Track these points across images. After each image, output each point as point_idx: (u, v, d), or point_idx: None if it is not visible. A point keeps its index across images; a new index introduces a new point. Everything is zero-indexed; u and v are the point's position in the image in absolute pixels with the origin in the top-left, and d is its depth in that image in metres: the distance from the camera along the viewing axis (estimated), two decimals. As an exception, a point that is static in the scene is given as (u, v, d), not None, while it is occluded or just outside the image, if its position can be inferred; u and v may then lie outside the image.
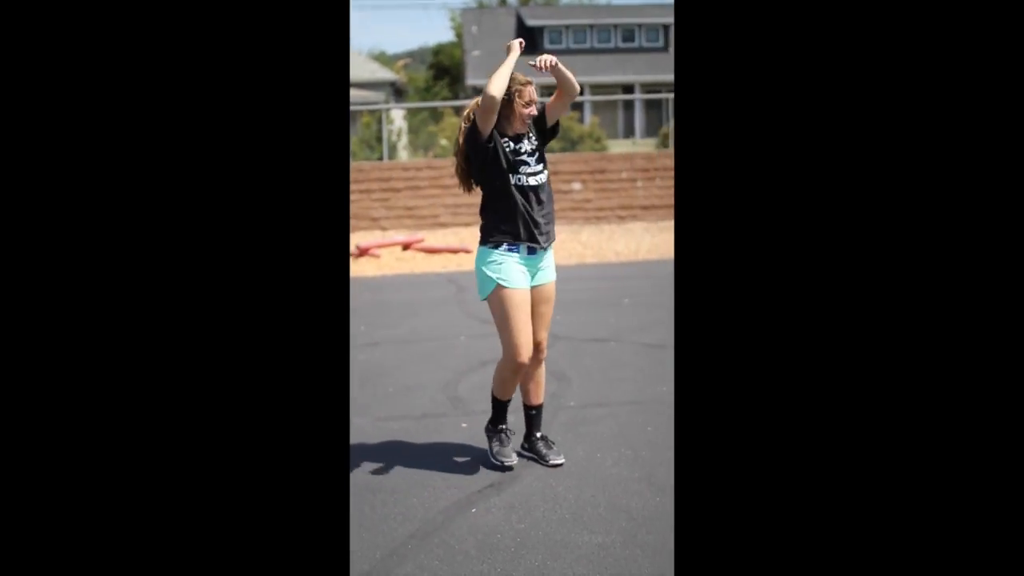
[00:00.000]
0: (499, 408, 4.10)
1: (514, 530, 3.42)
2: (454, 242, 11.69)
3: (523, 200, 3.81)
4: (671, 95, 18.05)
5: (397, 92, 36.24)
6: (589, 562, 3.14)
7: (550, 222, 3.91)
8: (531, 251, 3.86)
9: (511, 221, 3.82)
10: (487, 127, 3.76)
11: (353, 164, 14.03)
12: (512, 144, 3.83)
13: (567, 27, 37.05)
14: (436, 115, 23.17)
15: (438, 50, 48.37)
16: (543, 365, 4.11)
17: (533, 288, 3.93)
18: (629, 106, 35.04)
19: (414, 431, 4.62)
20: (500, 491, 3.79)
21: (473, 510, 3.61)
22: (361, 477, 4.00)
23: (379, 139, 16.85)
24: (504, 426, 4.11)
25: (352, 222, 13.23)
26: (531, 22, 36.55)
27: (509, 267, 3.83)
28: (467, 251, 10.88)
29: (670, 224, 13.55)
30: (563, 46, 36.97)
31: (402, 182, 13.52)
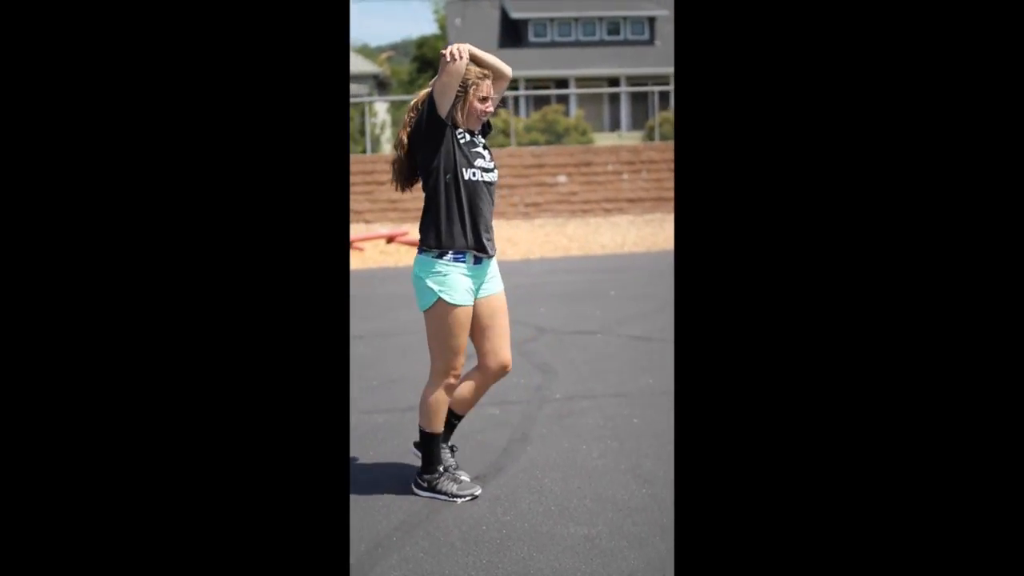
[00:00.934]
0: (430, 444, 3.66)
1: (499, 522, 3.40)
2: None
3: (475, 199, 3.47)
4: (656, 88, 18.09)
5: (380, 85, 36.19)
6: (575, 554, 3.13)
7: (493, 229, 3.60)
8: (477, 260, 3.51)
9: (459, 223, 3.45)
10: (445, 104, 3.43)
11: (337, 157, 14.01)
12: (468, 136, 3.52)
13: (552, 20, 37.02)
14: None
15: (422, 43, 48.38)
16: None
17: (482, 300, 3.59)
18: (615, 99, 35.05)
19: (399, 424, 4.59)
20: (485, 483, 3.76)
21: (458, 502, 3.59)
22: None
23: (362, 132, 16.80)
24: (442, 466, 3.69)
25: (336, 215, 13.19)
26: (515, 15, 36.50)
27: (454, 280, 3.47)
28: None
29: (656, 217, 13.57)
30: (548, 39, 36.96)
31: (386, 175, 13.43)
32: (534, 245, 11.41)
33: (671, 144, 13.64)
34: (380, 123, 19.29)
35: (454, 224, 3.47)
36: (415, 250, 10.30)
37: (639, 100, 33.94)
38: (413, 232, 12.19)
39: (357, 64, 35.05)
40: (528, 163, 13.53)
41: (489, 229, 3.54)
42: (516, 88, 32.49)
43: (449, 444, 3.81)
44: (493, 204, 3.57)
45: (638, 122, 32.05)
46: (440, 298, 3.47)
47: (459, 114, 3.51)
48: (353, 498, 3.65)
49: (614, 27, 37.20)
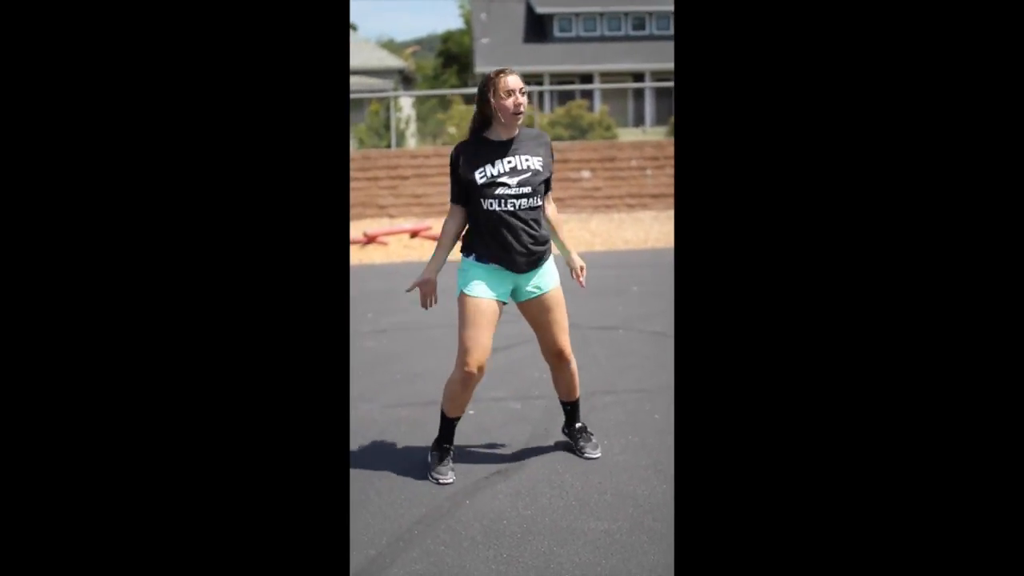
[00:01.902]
0: (444, 425, 3.91)
1: (520, 516, 3.42)
2: (462, 230, 11.67)
3: (497, 225, 3.63)
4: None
5: (405, 80, 36.23)
6: (595, 548, 3.15)
7: (540, 245, 3.70)
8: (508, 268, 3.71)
9: (484, 243, 3.68)
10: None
11: (361, 152, 14.03)
12: (492, 167, 3.61)
13: (577, 15, 36.97)
14: (444, 103, 23.15)
15: (447, 37, 48.38)
16: (572, 367, 3.96)
17: (532, 300, 3.77)
18: (639, 94, 35.00)
19: (421, 418, 4.62)
20: (506, 477, 3.79)
21: (477, 496, 3.61)
22: (368, 463, 4.00)
23: (387, 127, 16.85)
24: (448, 445, 3.91)
25: (359, 210, 13.23)
26: (540, 9, 36.48)
27: (475, 274, 3.69)
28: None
29: (679, 212, 13.51)
30: (573, 34, 36.92)
31: (410, 170, 13.52)
32: (557, 240, 11.37)
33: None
34: (405, 118, 19.33)
35: (481, 240, 3.70)
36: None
37: (663, 95, 33.89)
38: (436, 227, 12.21)
39: (382, 59, 35.10)
40: (552, 158, 13.48)
41: (511, 248, 3.64)
42: (540, 83, 32.48)
43: (449, 446, 3.93)
44: (526, 221, 3.65)
45: (662, 117, 32.00)
46: (462, 291, 3.70)
47: (495, 123, 3.64)
48: (375, 492, 3.68)
49: (639, 22, 37.11)
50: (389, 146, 15.99)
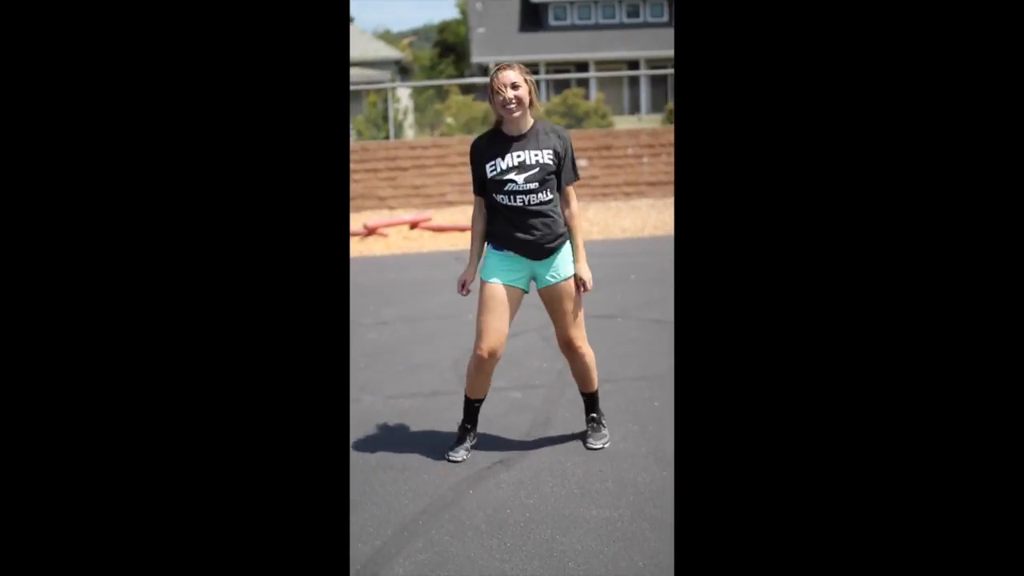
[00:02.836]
0: (465, 406, 4.04)
1: (523, 505, 3.47)
2: (461, 220, 11.71)
3: (508, 215, 3.74)
4: (676, 71, 17.99)
5: (402, 70, 36.19)
6: (597, 536, 3.20)
7: (553, 239, 3.78)
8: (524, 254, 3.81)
9: (498, 231, 3.80)
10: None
11: (359, 143, 14.05)
12: (502, 161, 3.70)
13: (571, 3, 36.91)
14: (442, 93, 23.15)
15: (443, 28, 48.28)
16: (585, 359, 3.99)
17: (546, 288, 3.85)
18: (634, 82, 34.95)
19: (424, 408, 4.67)
20: (509, 467, 3.84)
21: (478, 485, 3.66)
22: (372, 454, 4.05)
23: (385, 118, 16.85)
24: (469, 425, 4.04)
25: (359, 201, 13.26)
26: (536, -1, 36.44)
27: (493, 261, 3.81)
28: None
29: (676, 200, 13.53)
30: (568, 22, 36.86)
31: (408, 161, 13.54)
32: (556, 230, 11.40)
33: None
34: (403, 109, 19.33)
35: (498, 228, 3.81)
36: (438, 236, 10.23)
37: (659, 83, 33.85)
38: (436, 218, 12.24)
39: (379, 50, 35.05)
40: (549, 148, 13.47)
41: (524, 238, 3.74)
42: (536, 72, 32.43)
43: (470, 426, 4.07)
44: (536, 215, 3.74)
45: (658, 105, 31.96)
46: (481, 278, 3.85)
47: (504, 120, 3.76)
48: (379, 483, 3.73)
49: (633, 10, 37.04)
50: (387, 137, 16.00)
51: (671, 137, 13.83)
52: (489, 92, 3.71)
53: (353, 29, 35.07)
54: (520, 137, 3.73)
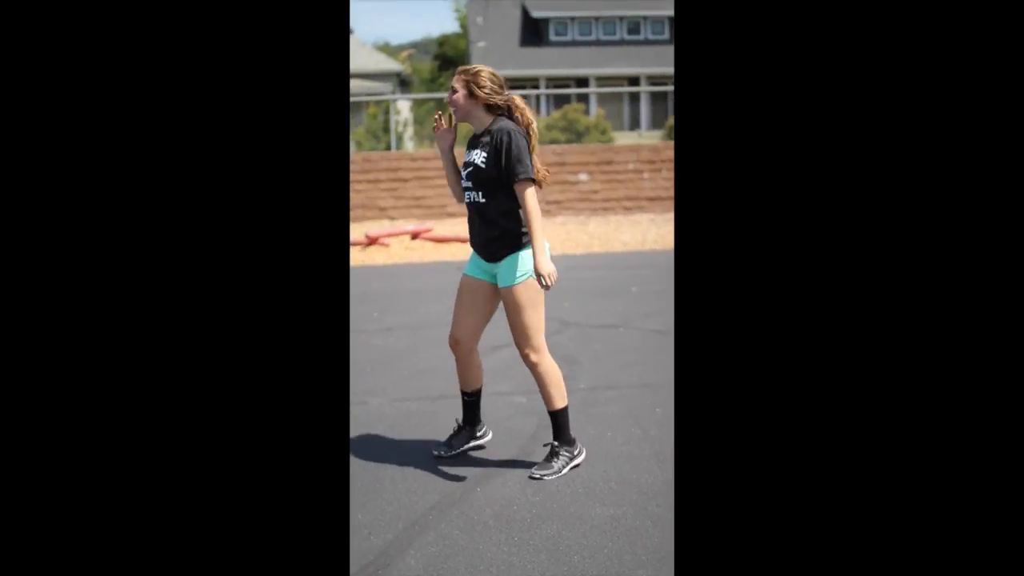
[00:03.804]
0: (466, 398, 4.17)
1: (529, 502, 3.57)
2: (462, 232, 11.79)
3: (471, 215, 3.87)
4: (677, 87, 18.10)
5: (402, 83, 36.33)
6: (602, 532, 3.30)
7: (491, 242, 3.76)
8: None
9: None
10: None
11: (361, 154, 14.15)
12: (468, 154, 3.84)
13: (572, 19, 37.08)
14: (442, 106, 23.22)
15: (442, 41, 48.46)
16: (538, 370, 3.82)
17: (486, 283, 3.90)
18: (635, 98, 35.07)
19: (430, 411, 4.77)
20: (515, 467, 3.94)
21: (489, 483, 3.76)
22: (380, 454, 4.15)
23: (386, 130, 16.96)
24: (460, 421, 4.21)
25: (360, 211, 13.36)
26: (536, 13, 36.57)
27: (471, 257, 3.96)
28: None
29: (675, 215, 13.62)
30: (568, 38, 37.02)
31: (410, 172, 13.64)
32: (556, 242, 11.54)
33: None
34: (403, 120, 19.44)
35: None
36: (439, 246, 10.34)
37: (659, 99, 33.99)
38: (437, 228, 12.34)
39: (379, 62, 35.20)
40: (550, 161, 13.60)
41: (472, 235, 3.89)
42: (537, 87, 32.61)
43: (457, 418, 4.25)
44: (474, 222, 3.84)
45: (658, 121, 32.08)
46: None
47: None
48: (389, 480, 3.83)
49: (634, 26, 37.22)
50: (388, 148, 16.11)
51: (671, 153, 13.94)
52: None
53: (353, 41, 35.23)
54: (476, 136, 3.85)
